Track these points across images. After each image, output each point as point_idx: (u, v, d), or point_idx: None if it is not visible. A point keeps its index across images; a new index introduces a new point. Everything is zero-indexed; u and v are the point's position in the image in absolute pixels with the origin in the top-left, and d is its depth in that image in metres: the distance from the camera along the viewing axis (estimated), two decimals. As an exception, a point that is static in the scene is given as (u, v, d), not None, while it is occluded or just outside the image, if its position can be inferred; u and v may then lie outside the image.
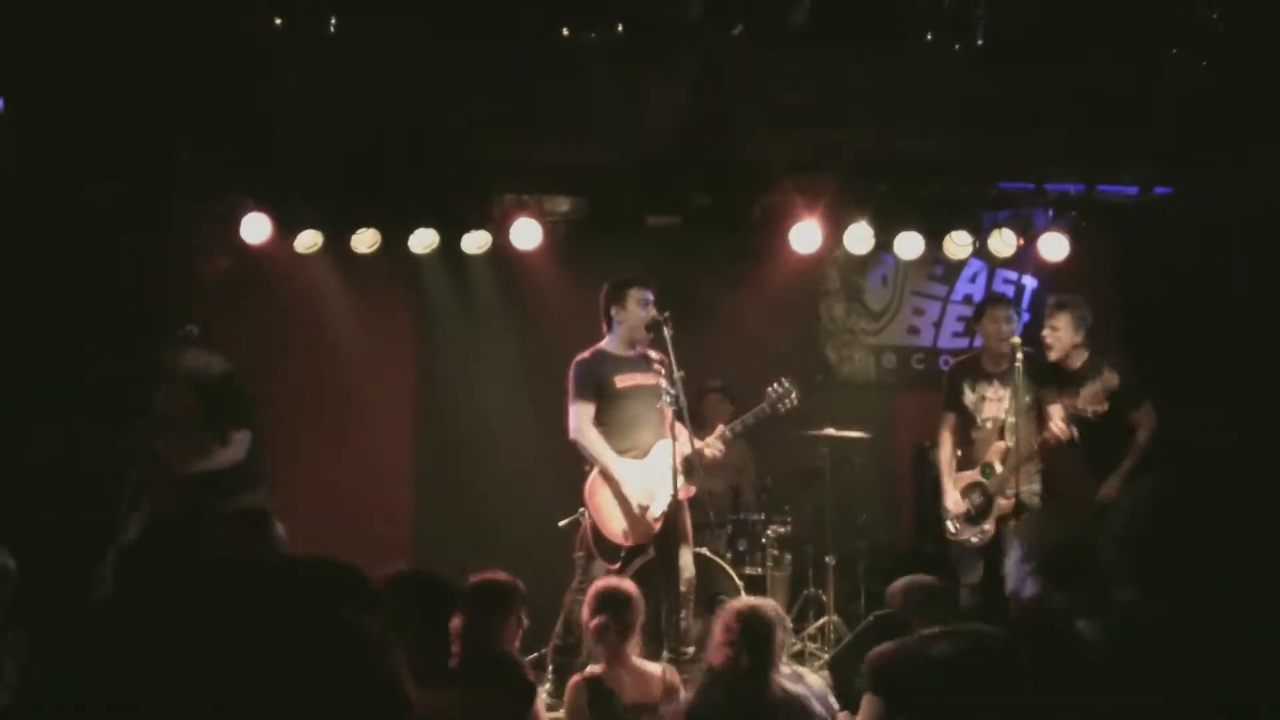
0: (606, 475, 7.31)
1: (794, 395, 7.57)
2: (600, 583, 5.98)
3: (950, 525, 8.17)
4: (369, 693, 1.28)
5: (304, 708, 1.23)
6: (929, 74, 7.63)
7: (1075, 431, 7.65)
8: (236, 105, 7.89)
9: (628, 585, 5.85)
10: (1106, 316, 8.75)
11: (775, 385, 7.59)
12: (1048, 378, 7.96)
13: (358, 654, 1.29)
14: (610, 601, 5.68)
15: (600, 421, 7.38)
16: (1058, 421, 7.64)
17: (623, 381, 7.40)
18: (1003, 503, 7.90)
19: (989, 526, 7.96)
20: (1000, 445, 8.02)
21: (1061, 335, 7.98)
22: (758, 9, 7.12)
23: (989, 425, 8.15)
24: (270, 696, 1.21)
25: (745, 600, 5.59)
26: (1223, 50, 7.31)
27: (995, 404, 8.14)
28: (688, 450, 7.15)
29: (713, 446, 7.45)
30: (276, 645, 1.24)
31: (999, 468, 7.96)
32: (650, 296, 7.45)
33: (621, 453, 7.33)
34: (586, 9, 7.10)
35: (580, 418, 7.35)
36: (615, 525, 7.28)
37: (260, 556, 1.23)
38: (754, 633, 5.17)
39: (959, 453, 8.34)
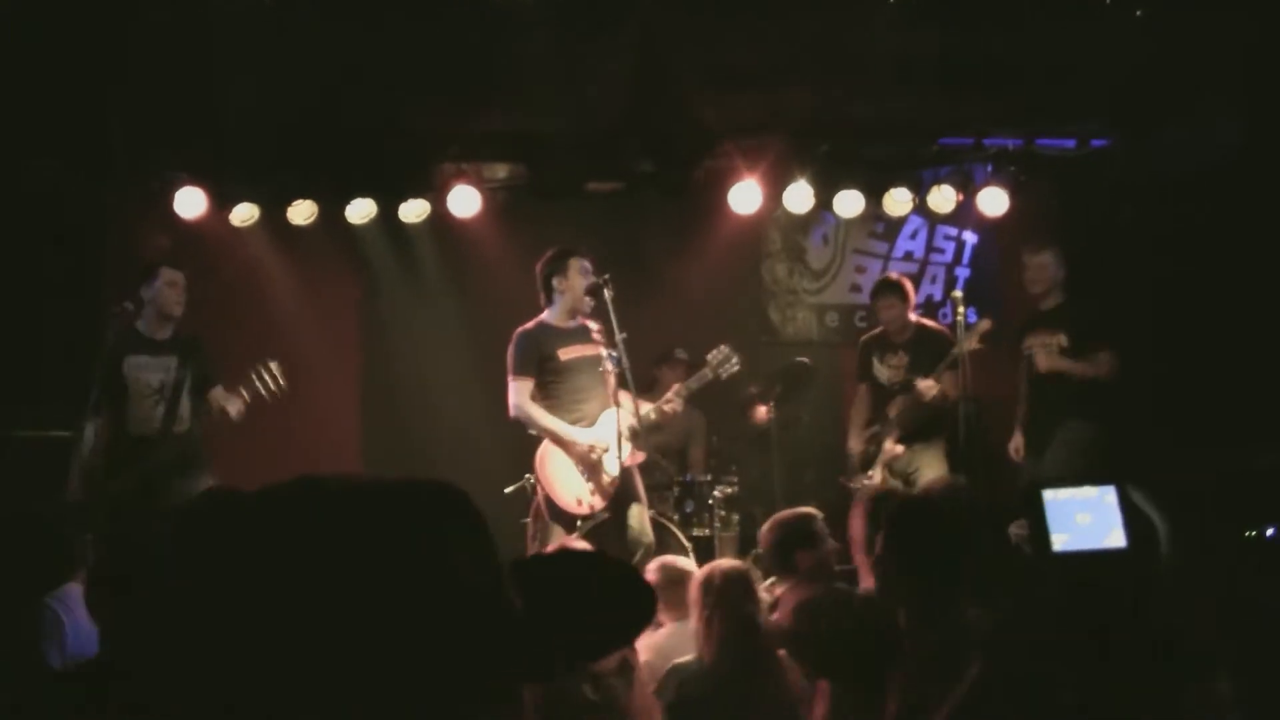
0: (558, 440, 7.30)
1: (734, 360, 7.64)
2: None
3: (843, 478, 8.65)
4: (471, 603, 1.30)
5: (404, 624, 1.24)
6: (868, 33, 7.62)
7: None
8: (169, 79, 7.76)
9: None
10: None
11: (715, 351, 7.63)
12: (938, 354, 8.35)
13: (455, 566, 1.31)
14: None
15: (546, 395, 7.36)
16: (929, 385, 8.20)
17: (567, 354, 7.37)
18: (888, 447, 8.34)
19: (875, 474, 8.35)
20: (899, 399, 8.43)
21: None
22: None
23: (895, 388, 8.51)
24: (369, 618, 1.21)
25: (712, 565, 5.42)
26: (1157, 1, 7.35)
27: (898, 370, 8.54)
28: (631, 417, 7.18)
29: (673, 403, 7.48)
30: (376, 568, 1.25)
31: (891, 415, 8.42)
32: (590, 266, 7.44)
33: (570, 424, 7.32)
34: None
35: (520, 394, 7.30)
36: (568, 494, 7.27)
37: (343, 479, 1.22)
38: (734, 592, 5.07)
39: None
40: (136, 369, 7.52)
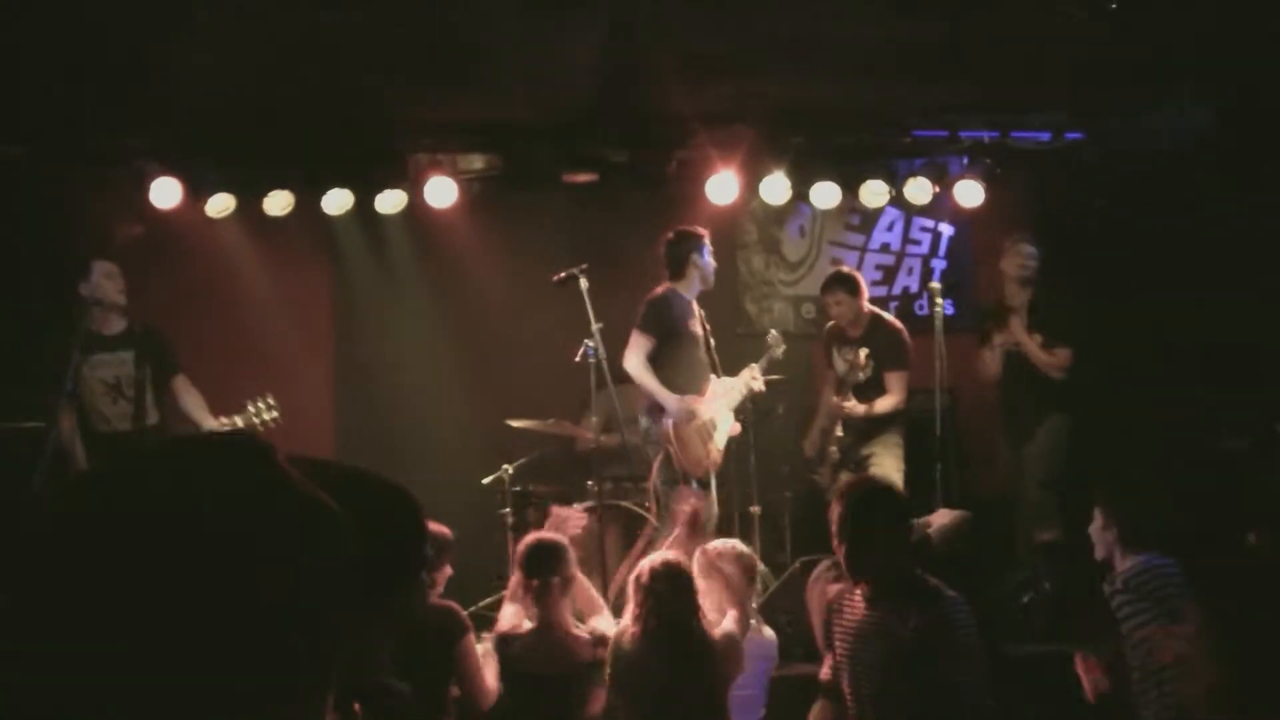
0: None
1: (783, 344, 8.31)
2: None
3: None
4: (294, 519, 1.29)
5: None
6: (843, 22, 7.61)
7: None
8: (144, 67, 7.72)
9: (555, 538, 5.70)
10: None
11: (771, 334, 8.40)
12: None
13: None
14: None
15: (670, 361, 7.65)
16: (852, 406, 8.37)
17: (693, 326, 7.77)
18: (832, 452, 8.48)
19: (823, 473, 8.58)
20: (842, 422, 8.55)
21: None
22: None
23: (849, 382, 8.50)
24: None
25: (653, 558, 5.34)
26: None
27: (845, 364, 8.46)
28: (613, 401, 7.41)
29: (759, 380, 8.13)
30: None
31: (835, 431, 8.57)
32: None
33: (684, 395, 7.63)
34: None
35: (642, 352, 7.56)
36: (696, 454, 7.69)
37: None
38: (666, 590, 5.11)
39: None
40: (89, 367, 7.49)
